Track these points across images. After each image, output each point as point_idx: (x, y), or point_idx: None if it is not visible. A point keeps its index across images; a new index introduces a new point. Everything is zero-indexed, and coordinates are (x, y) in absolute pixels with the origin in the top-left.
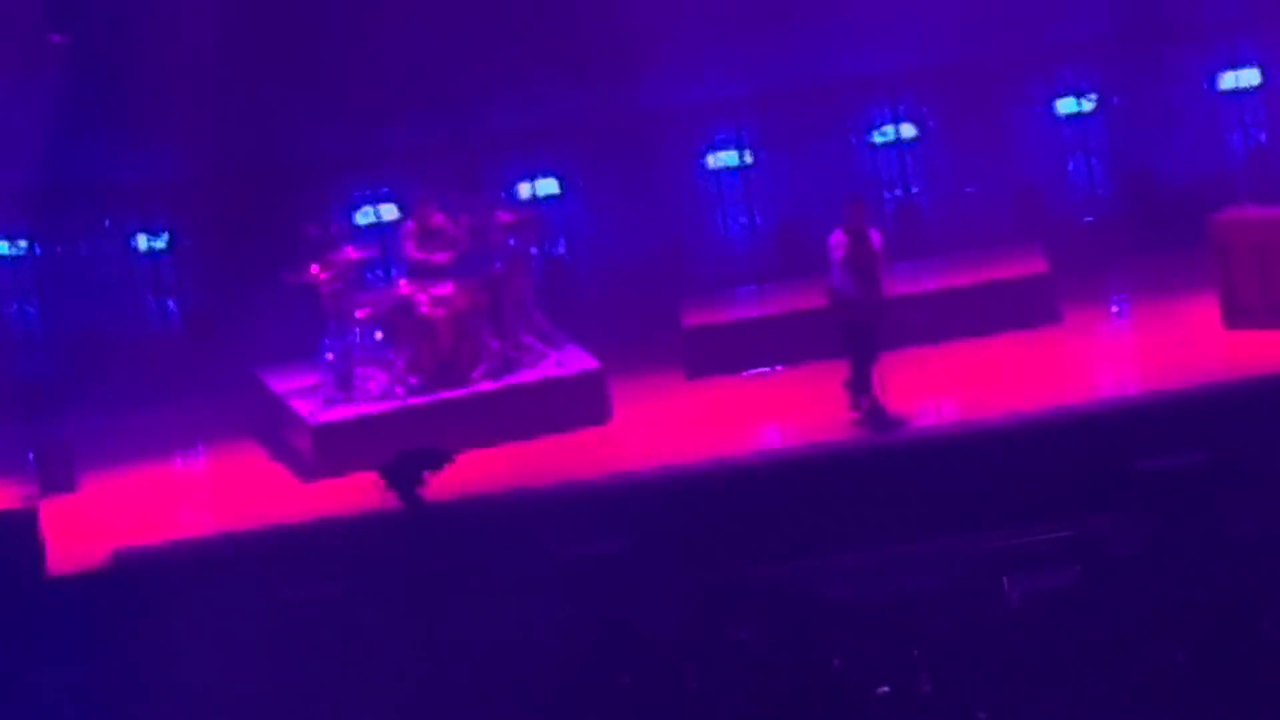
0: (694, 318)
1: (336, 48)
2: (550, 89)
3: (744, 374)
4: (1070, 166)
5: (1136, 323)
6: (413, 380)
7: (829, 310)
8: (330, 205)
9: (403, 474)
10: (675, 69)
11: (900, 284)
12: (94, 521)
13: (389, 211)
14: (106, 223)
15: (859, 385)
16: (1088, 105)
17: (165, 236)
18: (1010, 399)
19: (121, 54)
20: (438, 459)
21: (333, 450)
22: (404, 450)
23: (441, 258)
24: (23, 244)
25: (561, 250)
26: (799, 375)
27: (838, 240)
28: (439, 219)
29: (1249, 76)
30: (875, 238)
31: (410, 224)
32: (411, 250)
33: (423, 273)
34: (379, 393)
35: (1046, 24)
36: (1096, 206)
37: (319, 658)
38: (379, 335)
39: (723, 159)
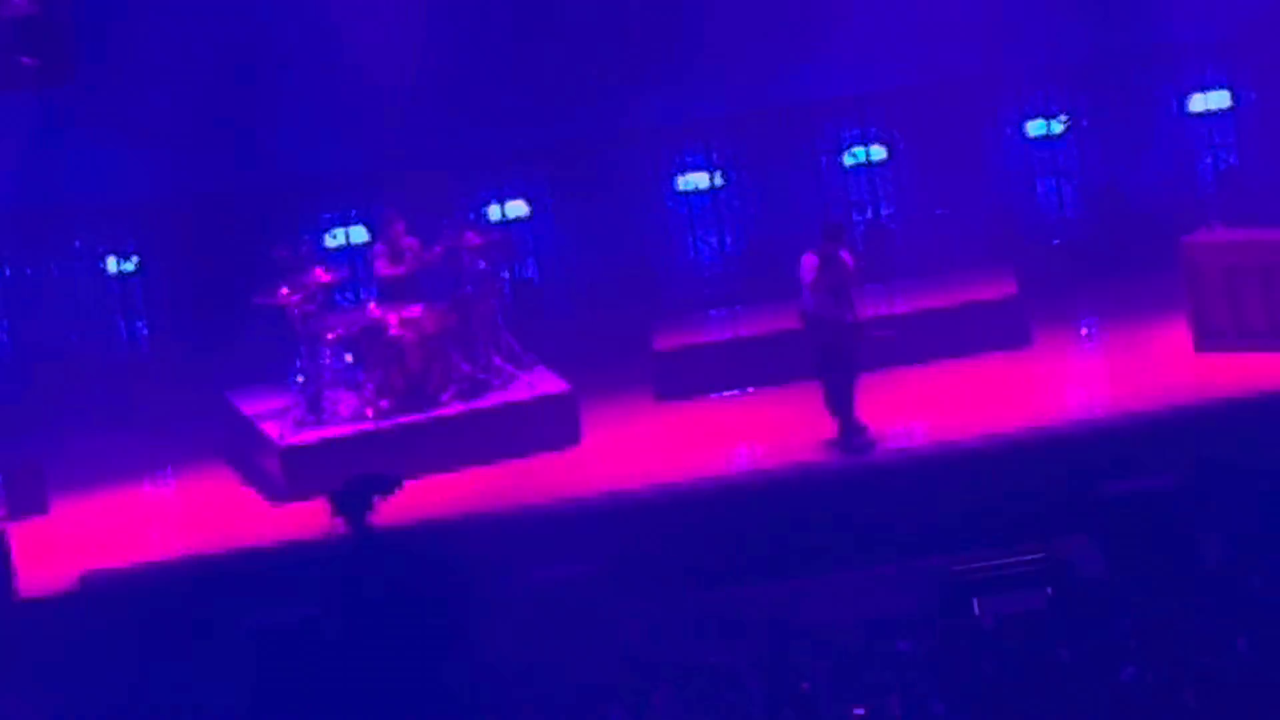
0: (664, 340)
1: (305, 70)
2: (519, 110)
3: (714, 396)
4: (1040, 188)
5: (1106, 345)
6: (383, 403)
7: (802, 332)
8: (300, 228)
9: (352, 500)
10: (644, 91)
11: (870, 306)
12: (64, 544)
13: (358, 234)
14: (76, 244)
15: (841, 408)
16: (1058, 127)
17: (135, 259)
18: (980, 421)
19: (93, 77)
20: (387, 484)
21: (302, 473)
22: (353, 475)
23: (409, 270)
24: None
25: (531, 272)
26: (769, 397)
27: (809, 263)
28: (409, 241)
29: (1219, 99)
30: (847, 259)
31: (380, 246)
32: (383, 268)
33: (392, 295)
34: (349, 415)
35: (1016, 46)
36: (1067, 229)
37: (290, 681)
38: (349, 358)
39: (693, 181)
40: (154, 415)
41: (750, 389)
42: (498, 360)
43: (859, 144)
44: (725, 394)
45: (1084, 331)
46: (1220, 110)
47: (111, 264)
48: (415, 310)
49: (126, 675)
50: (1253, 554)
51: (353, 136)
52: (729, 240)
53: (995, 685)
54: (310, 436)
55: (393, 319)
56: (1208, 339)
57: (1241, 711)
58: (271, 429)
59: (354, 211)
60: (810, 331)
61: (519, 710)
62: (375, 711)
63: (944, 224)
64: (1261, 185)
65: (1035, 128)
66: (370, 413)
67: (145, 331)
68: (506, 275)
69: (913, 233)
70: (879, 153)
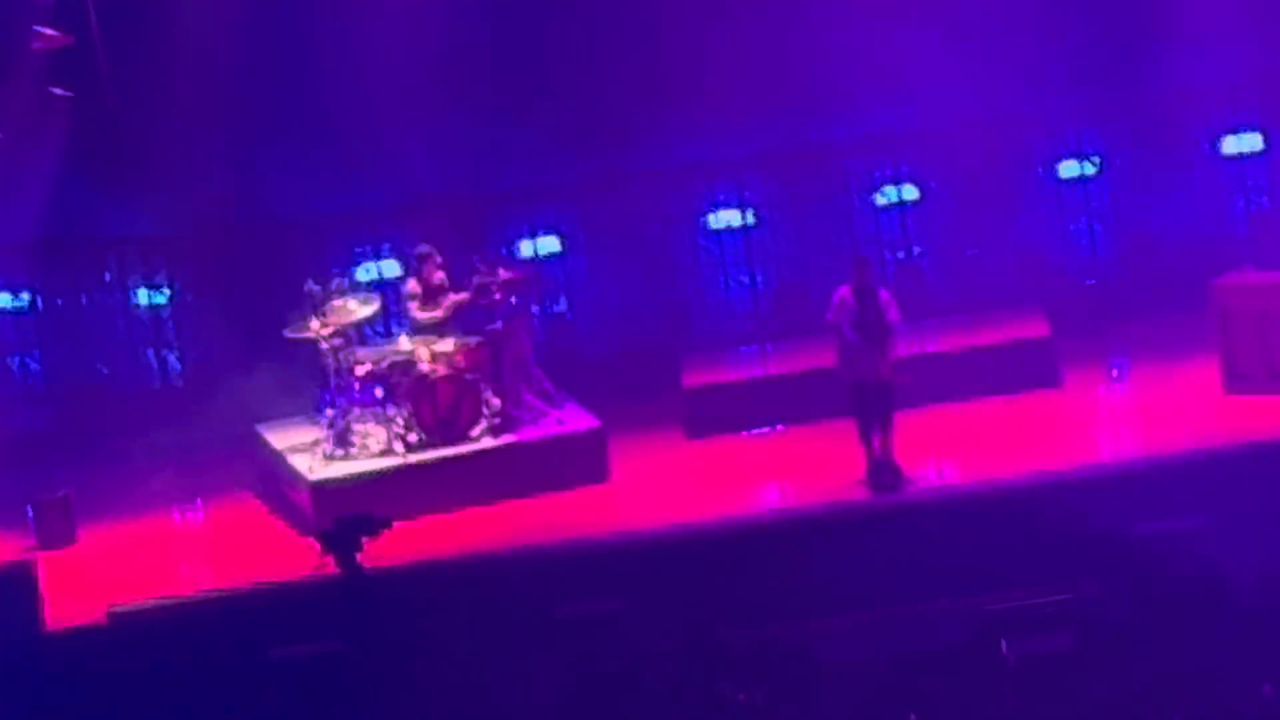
0: (694, 377)
1: (337, 102)
2: (552, 146)
3: (744, 433)
4: (1072, 229)
5: (1137, 386)
6: (412, 438)
7: (834, 370)
8: (331, 261)
9: (341, 540)
10: (677, 128)
11: (903, 345)
12: (92, 576)
13: (390, 267)
14: (107, 276)
15: (870, 444)
16: (1090, 168)
17: (166, 290)
18: (1010, 462)
19: (124, 108)
20: (376, 526)
21: (332, 507)
22: (341, 516)
23: (442, 312)
24: (25, 297)
25: (563, 308)
26: (799, 435)
27: (841, 299)
28: (440, 276)
29: (1252, 141)
30: (884, 296)
31: (412, 283)
32: (415, 310)
33: (424, 330)
34: (378, 450)
35: (1048, 87)
36: (1098, 269)
37: (318, 715)
38: (379, 392)
39: (724, 219)
40: (183, 447)
41: (780, 426)
42: (528, 396)
43: (891, 183)
44: (755, 431)
45: (1114, 372)
46: (1253, 153)
47: (143, 295)
48: (446, 345)
49: (154, 709)
50: None
51: (384, 171)
52: (760, 278)
53: None
54: (339, 470)
55: (423, 354)
56: (1238, 381)
57: None
58: (301, 462)
59: (385, 245)
60: (842, 369)
61: None
62: None
63: (976, 264)
64: None
65: (1068, 169)
66: (400, 447)
67: (176, 363)
68: (538, 311)
69: (944, 273)
70: (911, 192)
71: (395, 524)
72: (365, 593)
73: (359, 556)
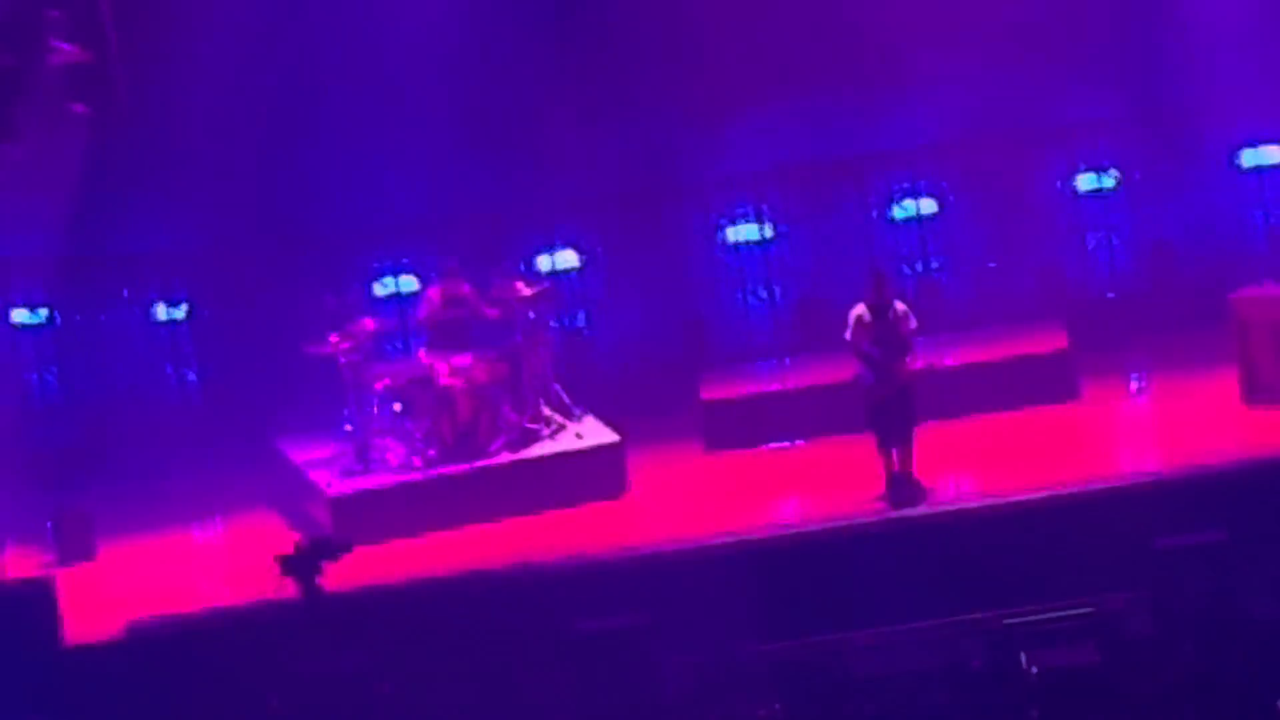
0: (713, 391)
1: (356, 118)
2: (571, 161)
3: (763, 447)
4: (1091, 242)
5: (1156, 399)
6: (431, 452)
7: (852, 384)
8: (349, 276)
9: (301, 564)
10: (695, 143)
11: (921, 358)
12: (111, 591)
13: (408, 283)
14: (126, 292)
15: (887, 462)
16: (1109, 181)
17: (184, 306)
18: (1029, 475)
19: (141, 124)
20: (336, 549)
21: (351, 521)
22: (301, 540)
23: (457, 316)
24: (43, 313)
25: (581, 323)
26: (818, 449)
27: (858, 316)
28: (464, 289)
29: (1271, 154)
30: (901, 309)
31: (434, 290)
32: (428, 309)
33: (441, 343)
34: (397, 464)
35: (1066, 99)
36: (1117, 283)
37: None
38: (397, 407)
39: (742, 233)
40: (202, 462)
41: (799, 440)
42: (546, 410)
43: (909, 197)
44: (774, 445)
45: (1134, 385)
46: (1271, 165)
47: (161, 311)
48: (465, 359)
49: None
50: None
51: (403, 186)
52: (778, 292)
53: None
54: (358, 485)
55: (442, 368)
56: (1257, 394)
57: None
58: (320, 477)
59: (404, 260)
60: (862, 385)
61: None
62: None
63: (994, 277)
64: None
65: (1086, 181)
66: (418, 462)
67: (194, 379)
68: (556, 325)
69: (963, 286)
70: (929, 206)
71: (414, 537)
72: (385, 608)
73: (319, 579)
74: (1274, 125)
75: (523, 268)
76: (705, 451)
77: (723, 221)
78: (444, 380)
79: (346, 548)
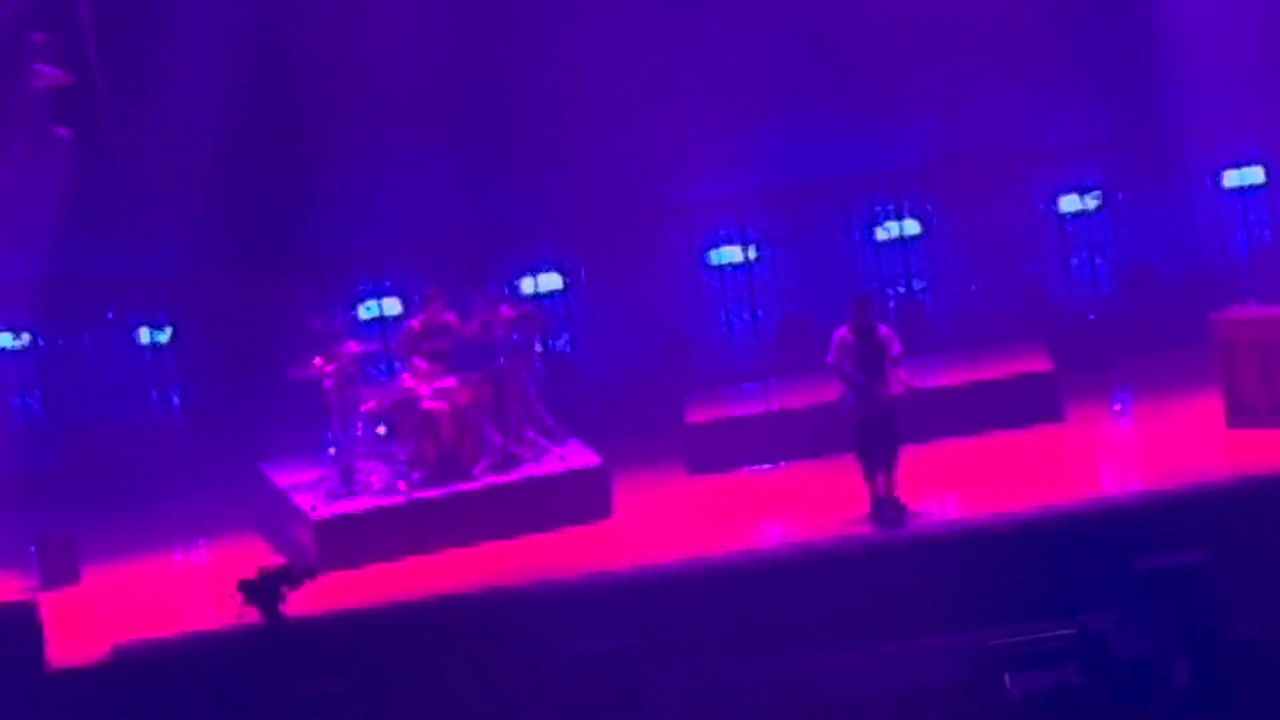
0: (697, 413)
1: (338, 141)
2: (553, 183)
3: (747, 469)
4: (1074, 263)
5: (1139, 420)
6: (415, 475)
7: (836, 406)
8: (333, 299)
9: (263, 590)
10: (679, 164)
11: (905, 380)
12: (95, 615)
13: (392, 306)
14: (109, 316)
15: (871, 484)
16: (1091, 202)
17: (168, 330)
18: (1013, 496)
19: (125, 148)
20: (297, 576)
21: (335, 545)
22: (263, 567)
23: (441, 344)
24: (26, 337)
25: (564, 345)
26: (802, 471)
27: (841, 339)
28: (447, 317)
29: (1253, 174)
30: (884, 332)
31: (416, 322)
32: (411, 336)
33: (425, 367)
34: (381, 487)
35: (1050, 121)
36: (1100, 304)
37: None
38: (382, 429)
39: (726, 255)
40: (186, 486)
41: (782, 462)
42: (530, 433)
43: (892, 219)
44: (758, 467)
45: (1117, 407)
46: (1254, 186)
47: (144, 335)
48: (449, 382)
49: None
50: None
51: (387, 209)
52: (762, 314)
53: None
54: (343, 508)
55: (426, 391)
56: (1240, 415)
57: None
58: (304, 501)
59: (388, 283)
60: (846, 408)
61: None
62: None
63: (977, 299)
64: None
65: (1069, 203)
66: (403, 485)
67: (178, 402)
68: (539, 348)
69: (946, 307)
70: (912, 227)
71: (398, 561)
72: (369, 632)
73: (281, 606)
74: (1256, 146)
75: (506, 290)
76: (689, 474)
77: (706, 243)
78: (427, 403)
79: (310, 574)
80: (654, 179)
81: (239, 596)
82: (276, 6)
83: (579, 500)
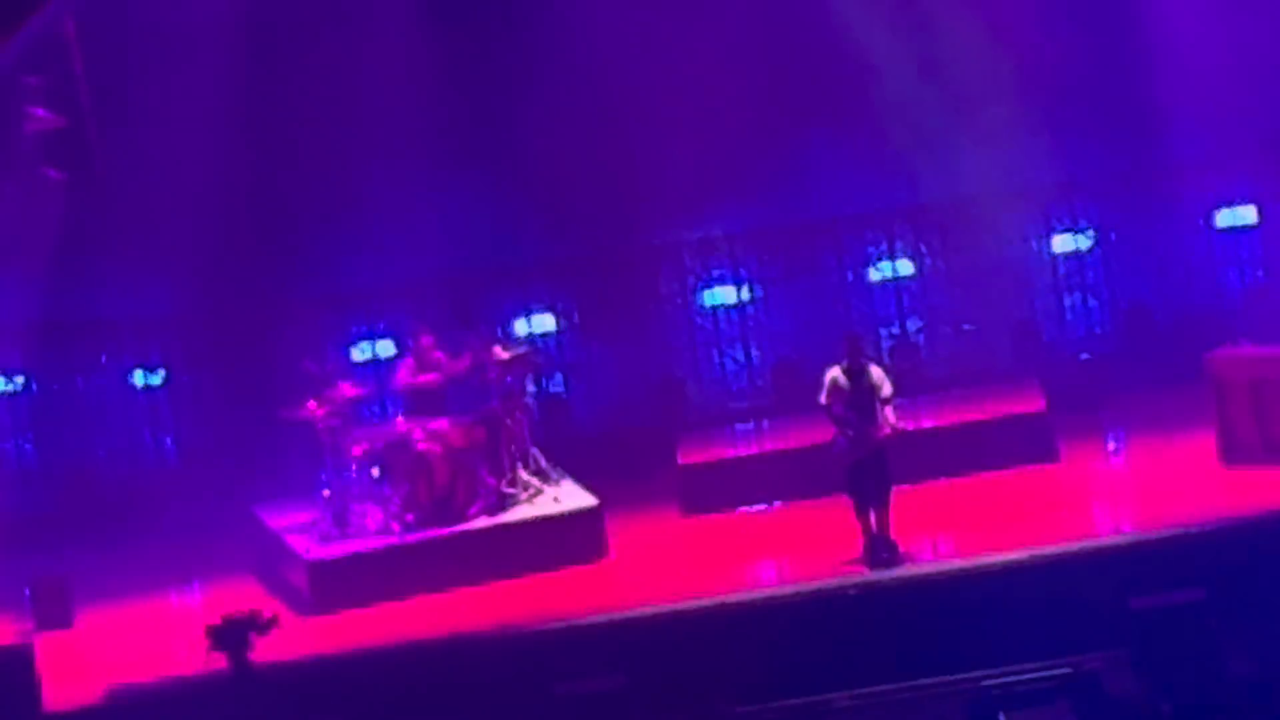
0: (690, 455)
1: (330, 184)
2: (546, 225)
3: (741, 510)
4: (1067, 303)
5: (1133, 460)
6: (409, 517)
7: (829, 447)
8: (326, 342)
9: (230, 636)
10: (671, 205)
11: (897, 421)
12: (90, 658)
13: (385, 348)
14: (103, 359)
15: (864, 525)
16: (1084, 242)
17: (162, 372)
18: (1007, 536)
19: (117, 190)
20: (263, 623)
21: (329, 587)
22: (229, 614)
23: (432, 380)
24: (19, 380)
25: (558, 386)
26: (796, 512)
27: (833, 380)
28: (437, 355)
29: (1246, 214)
30: (876, 374)
31: (409, 360)
32: (405, 376)
33: (419, 409)
34: (375, 529)
35: (1042, 161)
36: (1094, 343)
37: None
38: (375, 472)
39: (719, 295)
40: (180, 528)
41: (777, 503)
42: (524, 474)
43: (885, 259)
44: (752, 508)
45: (1111, 446)
46: (1246, 226)
47: (138, 377)
48: (442, 424)
49: None
50: None
51: (379, 251)
52: (755, 354)
53: None
54: (337, 550)
55: (419, 433)
56: (1235, 453)
57: None
58: (298, 543)
59: (381, 325)
60: (838, 449)
61: None
62: None
63: (971, 339)
64: None
65: (1062, 243)
66: (396, 527)
67: (171, 445)
68: (533, 389)
69: (939, 347)
70: (906, 267)
71: (392, 602)
72: (364, 673)
73: (248, 652)
74: (1248, 185)
75: (499, 331)
76: (683, 515)
77: (699, 284)
78: (421, 445)
79: (275, 622)
80: (647, 220)
81: (207, 643)
82: (268, 50)
83: (573, 541)
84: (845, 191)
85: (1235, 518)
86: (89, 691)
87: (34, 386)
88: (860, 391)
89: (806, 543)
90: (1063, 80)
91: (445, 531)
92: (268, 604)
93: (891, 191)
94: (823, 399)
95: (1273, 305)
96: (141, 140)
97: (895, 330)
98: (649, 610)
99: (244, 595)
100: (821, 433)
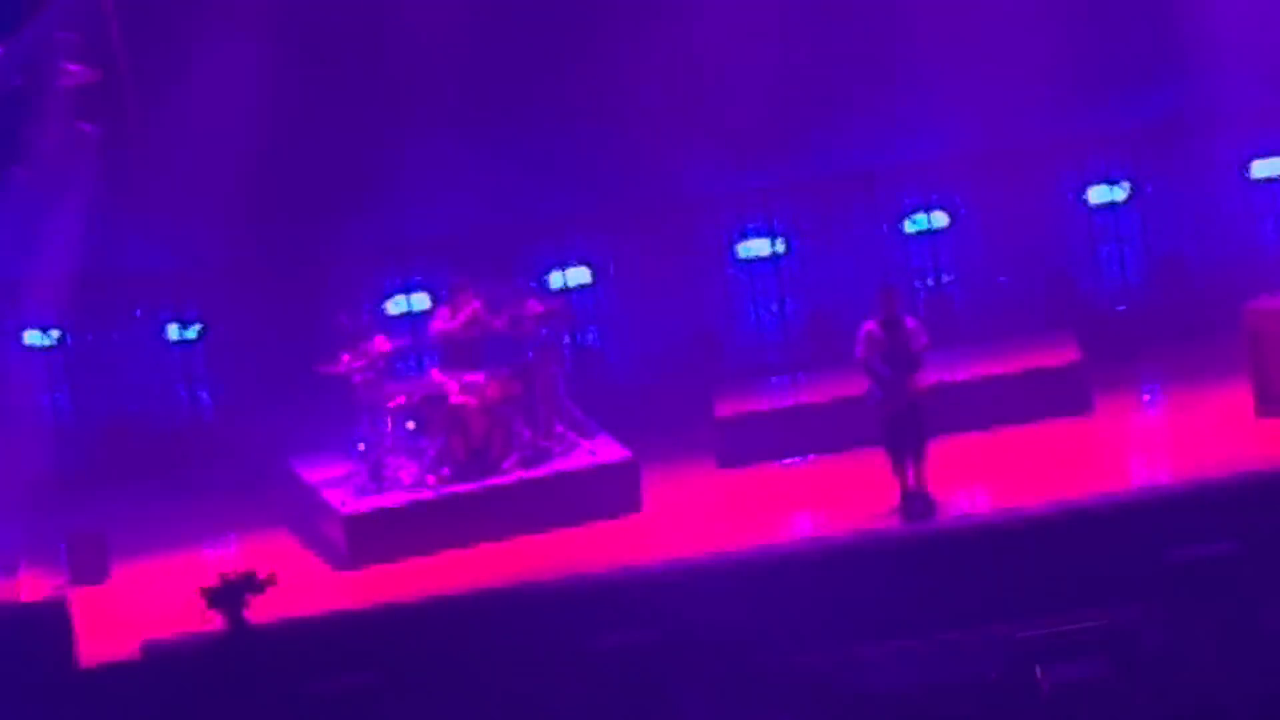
0: (726, 407)
1: (365, 137)
2: (581, 178)
3: (776, 463)
4: (1103, 255)
5: (1168, 411)
6: (444, 470)
7: (865, 399)
8: (362, 295)
9: (227, 596)
10: (707, 158)
11: (933, 373)
12: (125, 612)
13: (420, 301)
14: (138, 312)
15: (903, 474)
16: (1120, 194)
17: (197, 326)
18: (1042, 488)
19: (152, 144)
20: (259, 583)
21: (365, 540)
22: (226, 574)
23: (465, 328)
24: (54, 334)
25: (593, 339)
26: (831, 464)
27: (868, 333)
28: (474, 306)
29: None
30: (912, 325)
31: (443, 310)
32: (439, 324)
33: (455, 362)
34: (410, 482)
35: (1078, 112)
36: (1129, 295)
37: None
38: (411, 425)
39: (754, 248)
40: (216, 482)
41: (812, 455)
42: (559, 427)
43: (921, 211)
44: (787, 460)
45: (1146, 398)
46: None
47: (173, 331)
48: (477, 377)
49: None
50: None
51: (415, 205)
52: (790, 307)
53: None
54: (372, 504)
55: (454, 386)
56: (1269, 405)
57: None
58: (334, 496)
59: (416, 278)
60: (875, 401)
61: None
62: None
63: (1006, 290)
64: None
65: (1097, 194)
66: (432, 480)
67: (207, 399)
68: (568, 342)
69: (975, 299)
70: (941, 219)
71: (428, 555)
72: (400, 626)
73: (244, 612)
74: None
75: (535, 285)
76: (719, 467)
77: (734, 237)
78: (456, 398)
79: (271, 582)
80: (681, 173)
81: (204, 602)
82: (305, 2)
83: (609, 494)
84: (880, 144)
85: (1270, 470)
86: (124, 646)
87: (68, 340)
88: (896, 344)
89: (842, 495)
90: (1098, 31)
91: (480, 485)
92: (303, 557)
93: (927, 143)
94: (859, 351)
95: None
96: (177, 94)
97: (930, 282)
98: (684, 563)
99: (279, 549)
100: (856, 385)
